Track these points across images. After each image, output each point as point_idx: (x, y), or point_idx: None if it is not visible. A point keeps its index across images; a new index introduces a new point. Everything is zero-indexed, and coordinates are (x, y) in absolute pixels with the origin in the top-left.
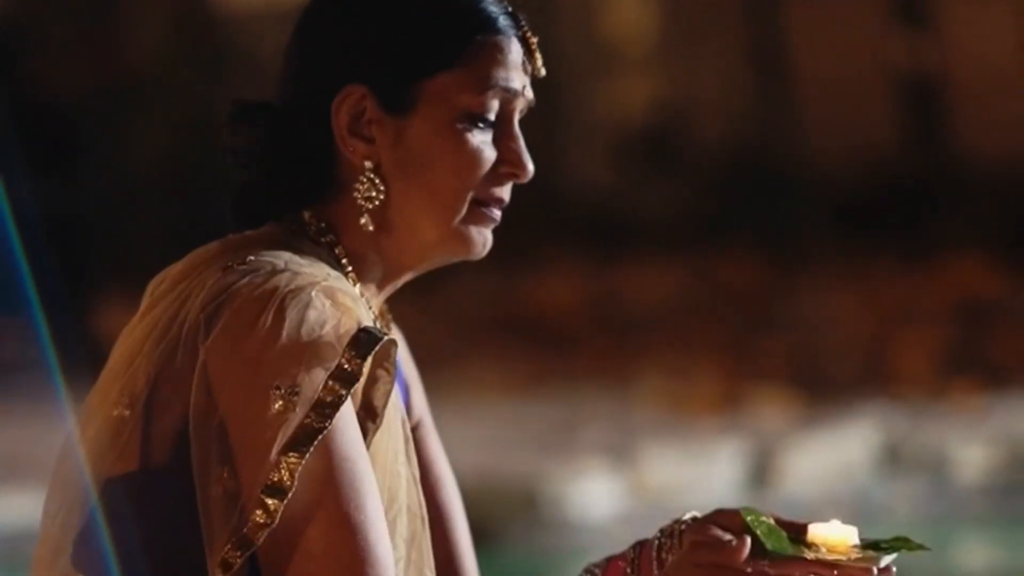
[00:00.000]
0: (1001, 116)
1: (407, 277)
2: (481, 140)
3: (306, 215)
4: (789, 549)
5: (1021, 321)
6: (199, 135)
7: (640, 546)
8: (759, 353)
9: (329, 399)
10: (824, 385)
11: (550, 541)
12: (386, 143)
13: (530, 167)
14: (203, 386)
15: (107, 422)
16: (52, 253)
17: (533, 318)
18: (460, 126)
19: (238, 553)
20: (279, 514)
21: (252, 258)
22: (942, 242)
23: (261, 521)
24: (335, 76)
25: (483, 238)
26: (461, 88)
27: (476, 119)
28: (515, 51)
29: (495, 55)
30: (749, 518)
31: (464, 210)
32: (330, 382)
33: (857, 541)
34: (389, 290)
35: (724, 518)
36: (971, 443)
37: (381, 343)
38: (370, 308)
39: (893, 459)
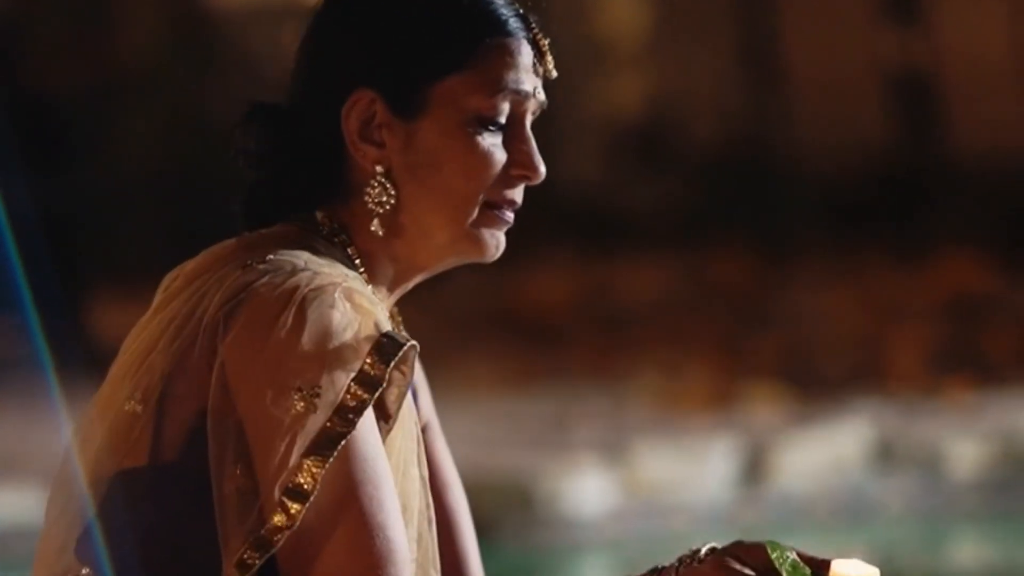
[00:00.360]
0: (993, 113)
1: (418, 279)
2: (491, 143)
3: (318, 215)
4: None
5: (1014, 317)
6: (192, 133)
7: (657, 573)
8: (752, 349)
9: (352, 404)
10: (817, 381)
11: (543, 537)
12: (396, 147)
13: (542, 169)
14: (220, 384)
15: (119, 417)
16: (45, 251)
17: (525, 314)
18: (470, 129)
19: (256, 554)
20: (300, 517)
21: (272, 256)
22: (934, 239)
23: (280, 524)
24: (345, 80)
25: (496, 240)
26: (471, 91)
27: (486, 122)
28: (525, 53)
29: (505, 57)
30: (774, 554)
31: (476, 213)
32: (353, 387)
33: None
34: (399, 292)
35: (745, 551)
36: (964, 439)
37: (404, 349)
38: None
39: (886, 455)
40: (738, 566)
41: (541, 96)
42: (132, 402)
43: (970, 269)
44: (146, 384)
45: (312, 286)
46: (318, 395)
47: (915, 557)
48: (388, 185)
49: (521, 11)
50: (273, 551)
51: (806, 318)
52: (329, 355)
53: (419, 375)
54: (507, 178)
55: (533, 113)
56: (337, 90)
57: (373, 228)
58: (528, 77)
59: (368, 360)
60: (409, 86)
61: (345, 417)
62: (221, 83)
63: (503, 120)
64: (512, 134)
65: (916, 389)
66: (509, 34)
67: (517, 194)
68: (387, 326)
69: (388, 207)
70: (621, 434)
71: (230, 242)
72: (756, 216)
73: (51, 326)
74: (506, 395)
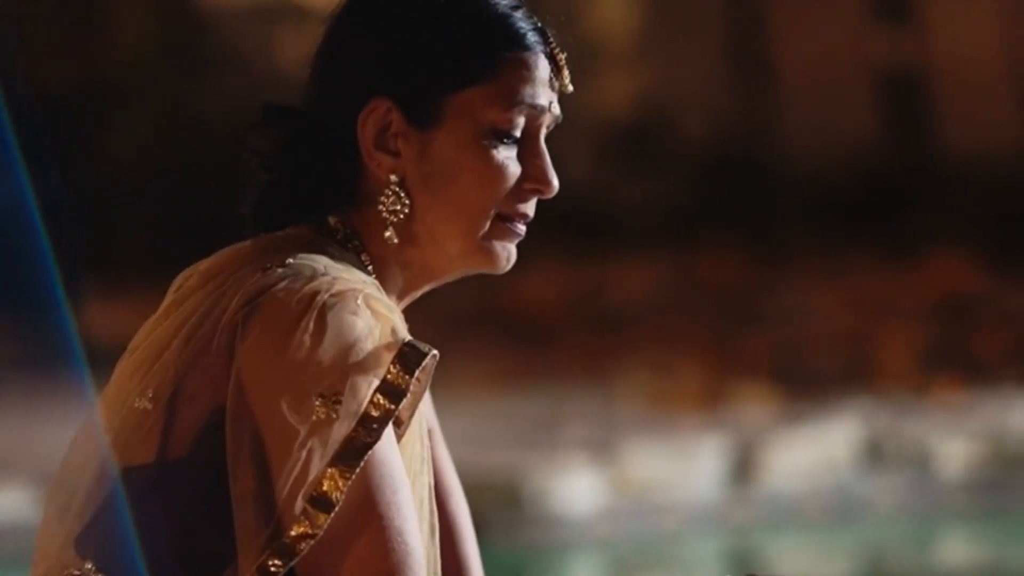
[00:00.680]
0: (982, 113)
1: (426, 288)
2: (506, 156)
3: (331, 220)
4: None
5: (1003, 317)
6: (184, 131)
7: None
8: (742, 349)
9: (376, 413)
10: (807, 381)
11: (533, 536)
12: (411, 156)
13: (555, 183)
14: (237, 387)
15: (129, 414)
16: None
17: (516, 314)
18: (486, 142)
19: (280, 562)
20: (324, 526)
21: (291, 260)
22: (924, 239)
23: (305, 532)
24: (362, 88)
25: (507, 252)
26: (488, 104)
27: (502, 135)
28: (542, 67)
29: (522, 71)
30: None
31: (488, 224)
32: (377, 396)
33: None
34: (407, 300)
35: None
36: (953, 438)
37: (427, 359)
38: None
39: (875, 454)
40: None
41: (556, 111)
42: (143, 400)
43: (960, 269)
44: (158, 382)
45: (332, 291)
46: (340, 402)
47: (904, 556)
48: (402, 194)
49: (539, 25)
50: (297, 558)
51: (796, 317)
52: (351, 363)
53: None
54: (520, 191)
55: (548, 127)
56: (354, 97)
57: (388, 236)
58: (544, 91)
59: (391, 369)
60: (426, 96)
61: (369, 427)
62: (212, 82)
63: (518, 134)
64: (527, 148)
65: (906, 388)
66: (527, 48)
67: (530, 208)
68: (406, 333)
69: (402, 216)
70: (611, 433)
71: (246, 243)
72: (746, 215)
73: (42, 324)
74: (497, 394)
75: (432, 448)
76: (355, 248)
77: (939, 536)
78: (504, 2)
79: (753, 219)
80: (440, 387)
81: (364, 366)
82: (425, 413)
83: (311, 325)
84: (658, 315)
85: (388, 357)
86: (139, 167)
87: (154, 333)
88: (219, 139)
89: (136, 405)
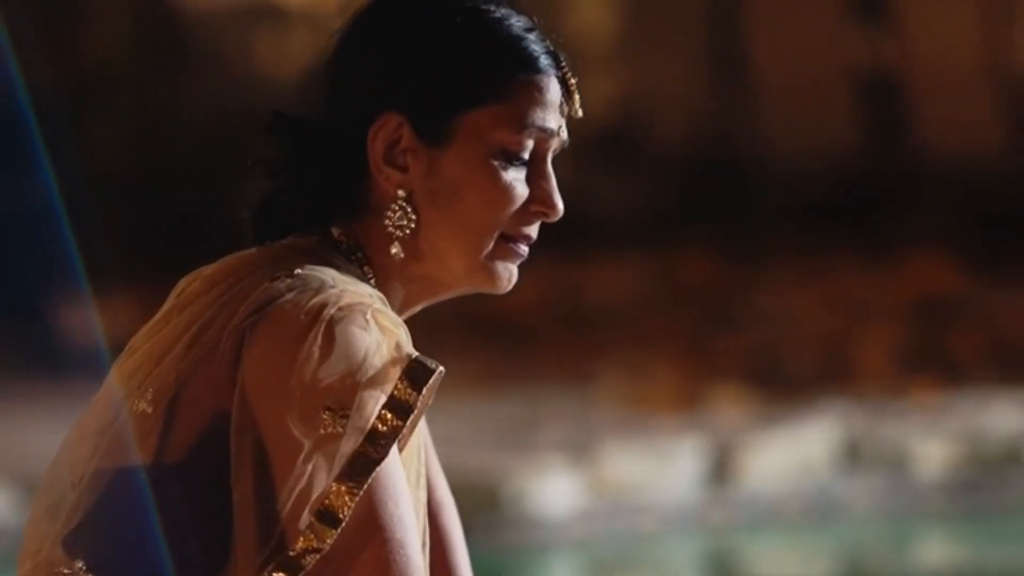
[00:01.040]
0: (960, 115)
1: (426, 304)
2: (514, 177)
3: (335, 232)
4: None
5: (980, 318)
6: (161, 132)
7: None
8: (719, 350)
9: (384, 429)
10: (784, 382)
11: (510, 538)
12: (420, 172)
13: (560, 207)
14: (241, 396)
15: (128, 415)
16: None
17: (493, 315)
18: (495, 162)
19: (283, 575)
20: (331, 541)
21: (299, 271)
22: (901, 240)
23: (311, 546)
24: (373, 101)
25: (509, 273)
26: (498, 124)
27: (511, 156)
28: (554, 91)
29: (534, 94)
30: None
31: (492, 244)
32: (385, 412)
33: None
34: (406, 315)
35: None
36: (931, 439)
37: (434, 376)
38: None
39: (853, 456)
40: None
41: (564, 135)
42: (142, 402)
43: (937, 270)
44: (159, 386)
45: (340, 304)
46: (347, 417)
47: (882, 557)
48: (409, 209)
49: (552, 49)
50: (302, 573)
51: (774, 319)
52: (359, 378)
53: None
54: (526, 214)
55: (554, 151)
56: (365, 110)
57: (394, 252)
58: (554, 116)
59: (399, 385)
60: (438, 114)
61: (378, 443)
62: (190, 82)
63: (527, 156)
64: (534, 170)
65: (883, 389)
66: (540, 71)
67: (533, 230)
68: (410, 347)
69: (408, 231)
70: (589, 434)
71: (252, 251)
72: (724, 217)
73: (17, 326)
74: (474, 396)
75: (426, 461)
76: (359, 260)
77: (917, 537)
78: (518, 24)
79: (731, 221)
80: None
81: (372, 381)
82: (420, 426)
83: (319, 338)
84: (636, 317)
85: (396, 373)
86: (117, 168)
87: (156, 336)
88: (198, 140)
89: (135, 407)
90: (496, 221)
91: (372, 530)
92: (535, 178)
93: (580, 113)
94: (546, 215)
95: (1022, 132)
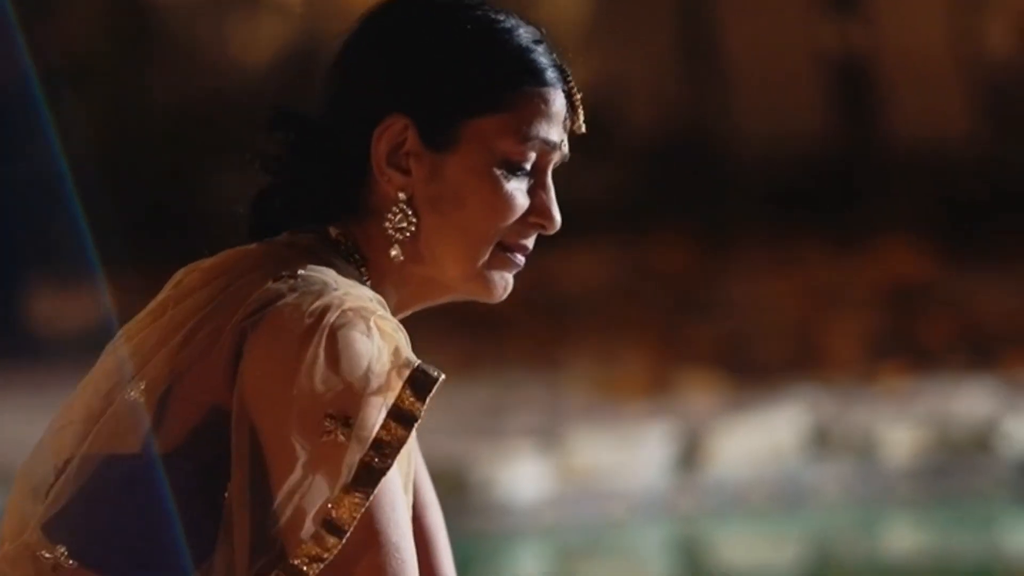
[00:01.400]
0: (931, 102)
1: (418, 307)
2: (515, 187)
3: (332, 231)
4: None
5: (949, 304)
6: (131, 120)
7: None
8: (689, 337)
9: (388, 439)
10: (753, 368)
11: (479, 524)
12: (422, 176)
13: (558, 221)
14: (240, 396)
15: (118, 404)
16: None
17: (464, 302)
18: (497, 171)
19: None
20: (336, 549)
21: (302, 272)
22: (872, 227)
23: (316, 554)
24: (380, 103)
25: (504, 282)
26: (503, 134)
27: (514, 167)
28: (559, 104)
29: (540, 106)
30: None
31: (489, 253)
32: (390, 422)
33: None
34: (397, 319)
35: None
36: (899, 425)
37: (437, 384)
38: None
39: (822, 442)
40: None
41: (565, 149)
42: (135, 392)
43: (907, 257)
44: (152, 377)
45: (343, 309)
46: (350, 426)
47: (851, 543)
48: (409, 212)
49: (560, 63)
50: None
51: (744, 306)
52: (362, 385)
53: None
54: (524, 224)
55: (555, 164)
56: (371, 111)
57: (393, 254)
58: (557, 129)
59: (403, 394)
60: (444, 119)
61: (382, 452)
62: (160, 70)
63: (529, 167)
64: (534, 182)
65: (852, 375)
66: (547, 84)
67: (530, 241)
68: (409, 351)
69: (407, 234)
70: (557, 421)
71: (253, 248)
72: (695, 205)
73: None
74: (443, 382)
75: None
76: (356, 261)
77: (885, 523)
78: (527, 36)
79: (702, 208)
80: None
81: (375, 390)
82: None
83: (322, 344)
84: (606, 303)
85: (398, 381)
86: (88, 157)
87: (151, 326)
88: (168, 128)
89: (127, 396)
90: (495, 230)
91: (369, 534)
92: (535, 190)
93: (583, 129)
94: (543, 227)
95: (992, 120)
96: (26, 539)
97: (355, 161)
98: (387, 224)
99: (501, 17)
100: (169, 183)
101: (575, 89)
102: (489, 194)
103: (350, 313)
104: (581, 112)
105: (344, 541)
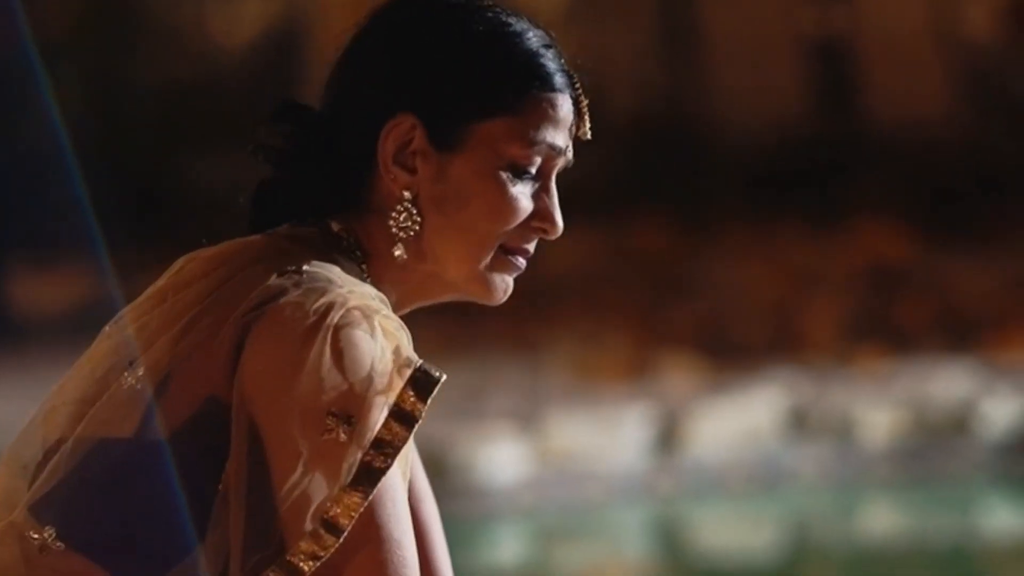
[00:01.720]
0: (910, 83)
1: (415, 306)
2: (520, 191)
3: (334, 226)
4: None
5: (927, 287)
6: (112, 102)
7: None
8: (668, 319)
9: (389, 439)
10: (732, 350)
11: (458, 507)
12: (428, 176)
13: (560, 226)
14: (240, 390)
15: (114, 389)
16: None
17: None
18: (503, 174)
19: None
20: (333, 548)
21: (307, 268)
22: (851, 209)
23: (313, 551)
24: (389, 101)
25: (505, 285)
26: (511, 137)
27: (520, 171)
28: (566, 110)
29: (548, 111)
30: None
31: (491, 255)
32: (391, 422)
33: None
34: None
35: None
36: (877, 407)
37: (439, 385)
38: None
39: (800, 423)
40: None
41: (570, 154)
42: (132, 378)
43: (885, 239)
44: (150, 364)
45: (348, 307)
46: (351, 425)
47: (828, 524)
48: (414, 211)
49: (568, 69)
50: None
51: (723, 287)
52: (364, 385)
53: None
54: (526, 228)
55: (558, 169)
56: (380, 109)
57: (397, 253)
58: (563, 135)
59: (404, 395)
60: (452, 120)
61: (383, 452)
62: (142, 52)
63: (534, 171)
64: (538, 187)
65: (830, 357)
66: (555, 90)
67: (532, 245)
68: (413, 352)
69: (412, 233)
70: (536, 403)
71: (257, 239)
72: (674, 186)
73: None
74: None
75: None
76: (357, 258)
77: (863, 504)
78: (537, 40)
79: (681, 190)
80: None
81: (377, 390)
82: None
83: (326, 342)
84: (585, 285)
85: (400, 381)
86: (69, 139)
87: (151, 313)
88: (149, 110)
89: (124, 381)
90: (498, 232)
91: (371, 530)
92: (539, 194)
93: (588, 135)
94: (545, 232)
95: (970, 101)
96: (13, 519)
97: (360, 157)
98: (392, 223)
99: (512, 20)
100: (150, 165)
101: (582, 96)
102: (494, 196)
103: (354, 311)
104: (587, 119)
105: (344, 538)
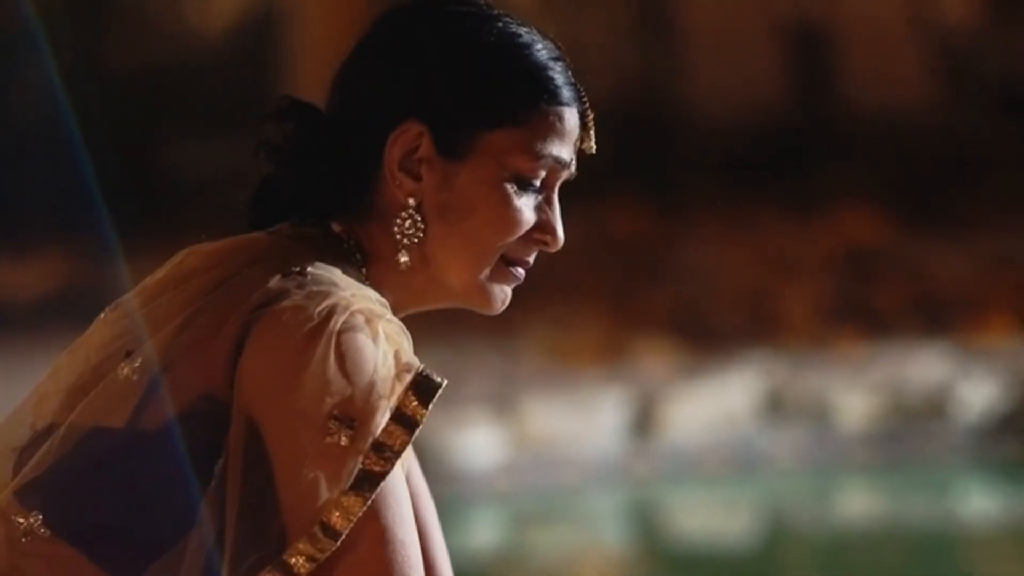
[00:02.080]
0: (886, 68)
1: (411, 311)
2: (524, 203)
3: (335, 228)
4: None
5: (904, 271)
6: (86, 86)
7: None
8: (643, 302)
9: (389, 442)
10: (708, 334)
11: (434, 491)
12: (433, 184)
13: (561, 238)
14: (240, 390)
15: (109, 379)
16: None
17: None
18: (508, 186)
19: None
20: (330, 550)
21: (311, 270)
22: (826, 193)
23: (310, 553)
24: (397, 107)
25: (504, 295)
26: (517, 149)
27: (524, 182)
28: (572, 123)
29: (555, 124)
30: None
31: (492, 265)
32: (392, 426)
33: None
34: None
35: None
36: (853, 391)
37: (440, 390)
38: None
39: (776, 407)
40: None
41: (573, 168)
42: (128, 368)
43: (862, 223)
44: (147, 356)
45: (351, 310)
46: (353, 429)
47: (805, 508)
48: (419, 219)
49: (575, 83)
50: None
51: (699, 271)
52: (367, 389)
53: None
54: (528, 240)
55: (562, 181)
56: (387, 114)
57: (402, 260)
58: (569, 148)
59: (406, 399)
60: (460, 129)
61: (384, 456)
62: (116, 36)
63: (539, 183)
64: (542, 199)
65: (806, 341)
66: (563, 103)
67: (532, 256)
68: (414, 357)
69: (415, 240)
70: (512, 388)
71: (260, 237)
72: (650, 170)
73: None
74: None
75: None
76: (357, 261)
77: (839, 488)
78: (546, 52)
79: (657, 174)
80: None
81: (380, 394)
82: None
83: (329, 344)
84: (561, 269)
85: (402, 386)
86: (44, 123)
87: (150, 305)
88: (123, 94)
89: (120, 372)
90: (501, 242)
91: (373, 529)
92: (541, 206)
93: (593, 149)
94: (547, 244)
95: (948, 86)
96: (0, 501)
97: (365, 161)
98: (396, 229)
99: (522, 31)
100: (125, 150)
101: (588, 110)
102: (498, 207)
103: (357, 315)
104: (593, 134)
105: (346, 539)
